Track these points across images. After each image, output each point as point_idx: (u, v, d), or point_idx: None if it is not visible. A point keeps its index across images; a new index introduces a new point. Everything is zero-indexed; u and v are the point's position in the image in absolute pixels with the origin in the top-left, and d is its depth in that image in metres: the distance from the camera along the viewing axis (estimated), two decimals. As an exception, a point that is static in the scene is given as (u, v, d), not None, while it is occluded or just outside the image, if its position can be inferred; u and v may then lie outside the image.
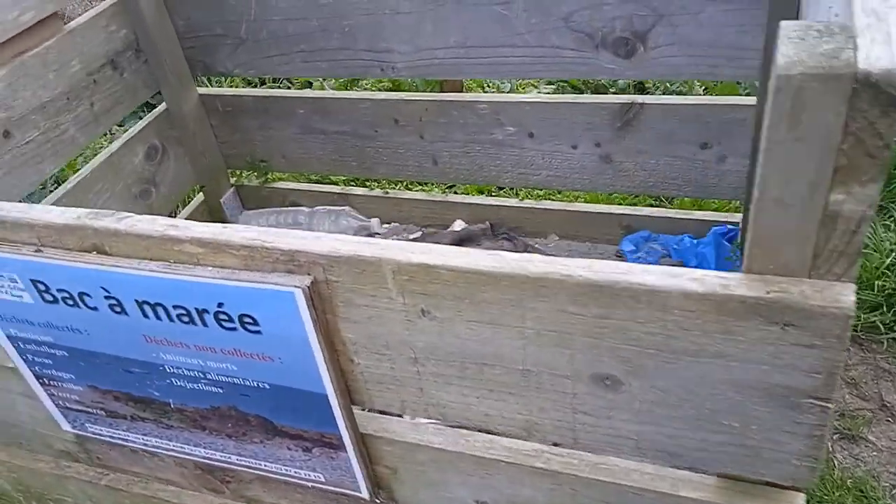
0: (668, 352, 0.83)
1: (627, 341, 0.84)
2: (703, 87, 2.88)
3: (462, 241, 2.19)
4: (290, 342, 1.00)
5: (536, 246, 2.23)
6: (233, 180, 2.58)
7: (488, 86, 3.09)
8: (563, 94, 2.94)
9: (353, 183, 2.59)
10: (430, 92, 2.73)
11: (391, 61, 2.08)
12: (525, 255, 0.84)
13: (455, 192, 2.46)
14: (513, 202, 2.28)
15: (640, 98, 1.95)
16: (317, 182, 2.66)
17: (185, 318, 1.04)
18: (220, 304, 1.00)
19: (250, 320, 1.00)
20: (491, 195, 2.48)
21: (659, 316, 0.80)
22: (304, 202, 2.52)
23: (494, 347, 0.91)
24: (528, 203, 2.26)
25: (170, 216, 2.57)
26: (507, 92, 3.02)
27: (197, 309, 1.02)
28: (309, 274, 0.93)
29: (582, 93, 2.94)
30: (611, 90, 2.95)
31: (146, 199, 2.31)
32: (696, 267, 1.93)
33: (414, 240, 2.30)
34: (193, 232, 0.97)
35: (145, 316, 1.07)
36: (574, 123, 2.02)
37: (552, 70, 1.95)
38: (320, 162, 2.40)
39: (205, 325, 1.03)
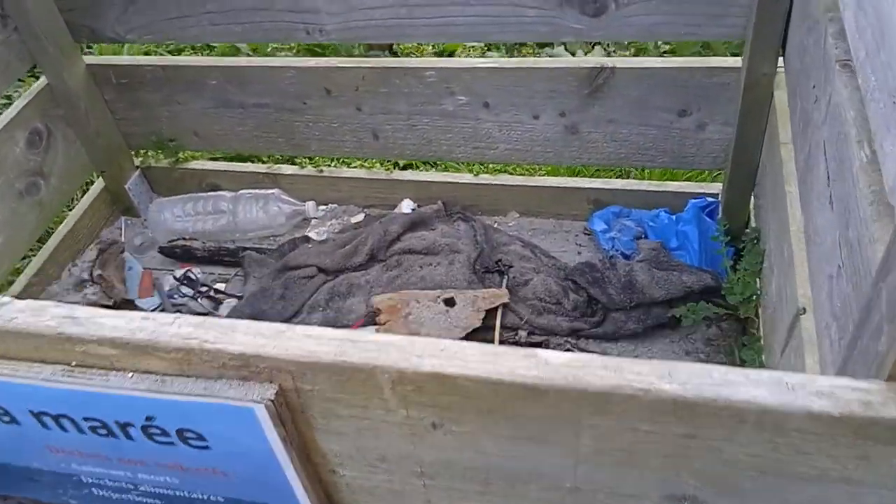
0: (775, 475, 0.63)
1: (720, 462, 0.63)
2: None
3: (413, 225, 1.93)
4: (249, 457, 0.75)
5: (496, 226, 2.00)
6: (138, 161, 2.23)
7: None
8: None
9: (281, 160, 2.28)
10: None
11: (318, 23, 1.76)
12: (580, 357, 0.61)
13: (401, 169, 2.18)
14: (467, 178, 2.03)
15: (609, 61, 1.71)
16: (238, 160, 2.33)
17: (102, 431, 0.77)
18: (149, 418, 0.73)
19: (194, 436, 0.74)
20: (443, 171, 2.22)
21: (769, 438, 0.59)
22: (225, 184, 2.19)
23: (533, 464, 0.69)
24: (485, 178, 2.02)
25: (67, 210, 2.22)
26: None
27: (117, 422, 0.75)
28: (272, 381, 0.68)
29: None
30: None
31: (34, 195, 1.94)
32: (677, 249, 1.76)
33: (356, 224, 2.04)
34: (103, 329, 0.69)
35: (45, 427, 0.79)
36: (535, 91, 1.77)
37: (508, 32, 1.69)
38: (240, 139, 2.08)
39: (130, 438, 0.77)
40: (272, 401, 0.67)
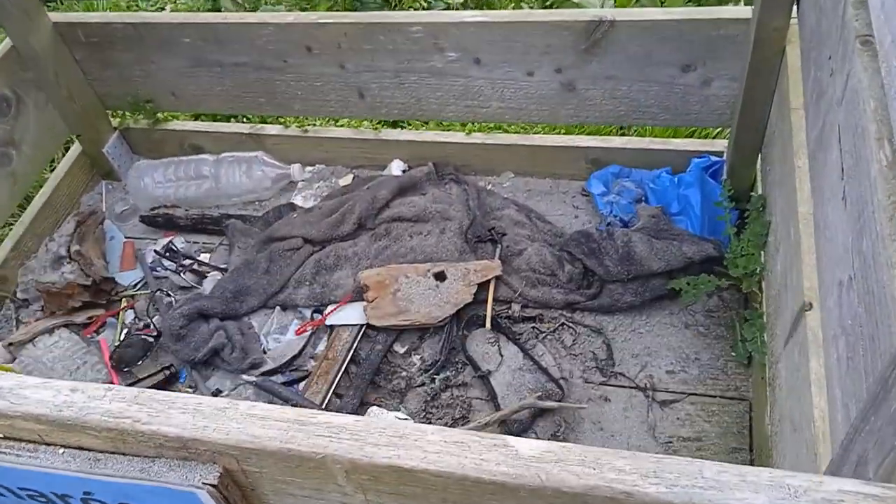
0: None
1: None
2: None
3: (403, 189, 1.84)
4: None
5: (490, 187, 1.91)
6: (116, 122, 2.13)
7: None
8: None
9: (264, 120, 2.17)
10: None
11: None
12: (553, 450, 0.54)
13: (390, 127, 2.07)
14: (459, 137, 1.93)
15: (609, 13, 1.58)
16: (221, 121, 2.22)
17: (41, 499, 0.71)
18: (87, 493, 0.67)
19: (138, 507, 0.68)
20: (432, 130, 2.10)
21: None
22: (208, 144, 2.09)
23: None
24: (477, 137, 1.91)
25: (46, 175, 2.11)
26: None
27: (55, 493, 0.69)
28: (215, 463, 0.61)
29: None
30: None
31: (5, 166, 1.85)
32: (678, 214, 1.67)
33: (345, 187, 1.95)
34: (27, 403, 0.63)
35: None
36: (530, 46, 1.65)
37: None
38: (220, 99, 1.96)
39: None
40: (216, 483, 0.61)
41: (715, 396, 1.47)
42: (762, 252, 1.46)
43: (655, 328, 1.59)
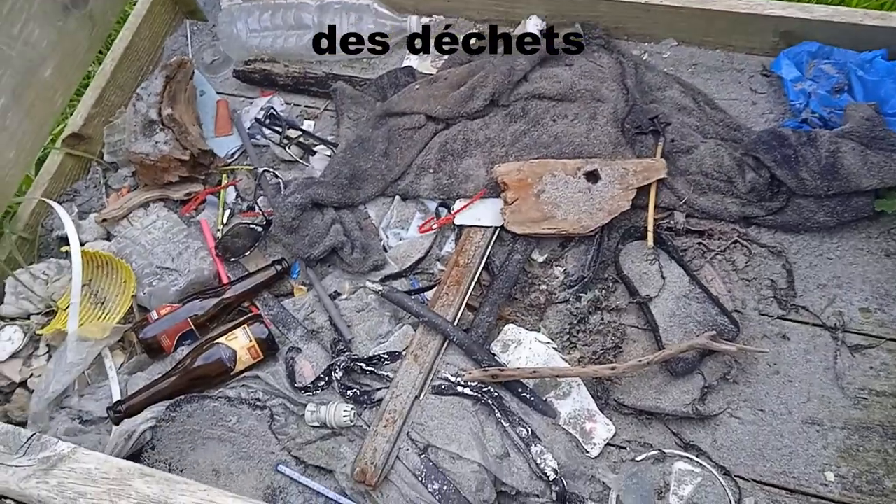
0: None
1: None
2: None
3: (546, 59, 1.54)
4: None
5: (646, 57, 1.58)
6: (199, -50, 1.82)
7: None
8: None
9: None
10: None
11: None
12: None
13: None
14: (614, -7, 1.58)
15: None
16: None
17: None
18: None
19: None
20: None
21: None
22: (306, -16, 1.78)
23: None
24: (637, -6, 1.56)
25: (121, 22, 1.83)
26: None
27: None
28: None
29: None
30: None
31: (81, 7, 1.59)
32: (895, 114, 1.35)
33: (472, 47, 1.64)
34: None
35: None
36: None
37: None
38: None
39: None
40: None
41: (920, 345, 1.25)
42: None
43: (849, 254, 1.34)
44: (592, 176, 1.38)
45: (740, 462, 1.20)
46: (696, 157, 1.39)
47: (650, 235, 1.36)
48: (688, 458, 1.21)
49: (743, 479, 1.19)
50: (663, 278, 1.33)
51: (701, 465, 1.20)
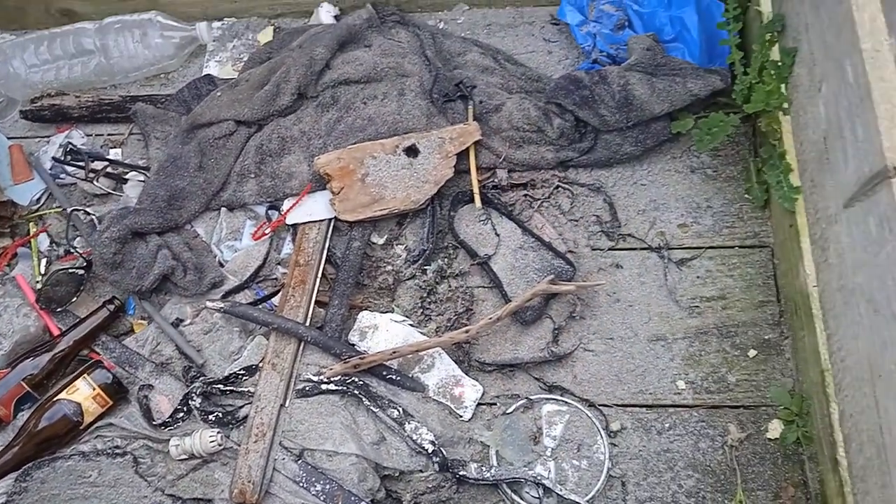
0: None
1: None
2: None
3: (342, 43, 1.53)
4: None
5: (442, 25, 1.61)
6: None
7: None
8: None
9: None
10: None
11: None
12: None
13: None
14: (397, -33, 1.59)
15: None
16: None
17: None
18: None
19: None
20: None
21: None
22: (82, 7, 1.68)
23: None
24: (420, -34, 1.58)
25: None
26: None
27: None
28: None
29: None
30: None
31: None
32: (672, 41, 1.46)
33: (267, 45, 1.62)
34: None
35: None
36: None
37: None
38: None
39: None
40: None
41: (733, 247, 1.36)
42: (784, 85, 1.28)
43: (659, 177, 1.43)
44: (412, 151, 1.40)
45: (601, 391, 1.27)
46: (504, 113, 1.43)
47: (477, 197, 1.39)
48: (553, 399, 1.26)
49: (606, 406, 1.26)
50: (497, 235, 1.37)
51: (566, 402, 1.26)
